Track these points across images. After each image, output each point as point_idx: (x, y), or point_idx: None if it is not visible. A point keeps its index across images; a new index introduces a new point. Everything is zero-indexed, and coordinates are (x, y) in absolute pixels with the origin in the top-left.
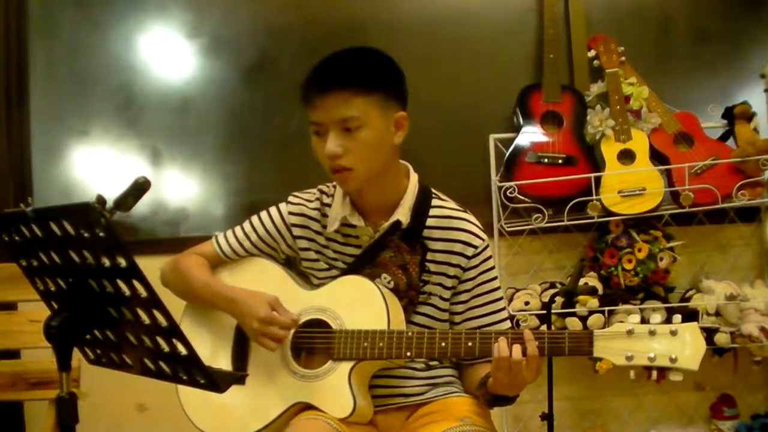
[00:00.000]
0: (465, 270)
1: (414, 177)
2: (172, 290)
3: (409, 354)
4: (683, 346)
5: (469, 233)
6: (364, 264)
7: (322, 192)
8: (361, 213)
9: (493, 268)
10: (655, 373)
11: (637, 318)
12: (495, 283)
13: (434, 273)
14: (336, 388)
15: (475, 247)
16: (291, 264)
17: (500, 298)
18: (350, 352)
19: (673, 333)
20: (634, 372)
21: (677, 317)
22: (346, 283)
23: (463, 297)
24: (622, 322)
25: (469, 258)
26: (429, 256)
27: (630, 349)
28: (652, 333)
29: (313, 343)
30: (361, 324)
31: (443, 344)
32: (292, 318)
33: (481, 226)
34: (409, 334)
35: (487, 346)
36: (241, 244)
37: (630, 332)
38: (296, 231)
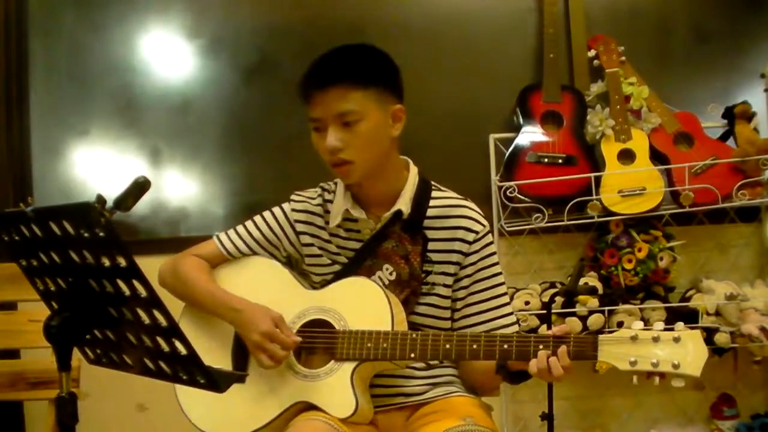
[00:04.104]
0: (466, 255)
1: (414, 169)
2: (170, 292)
3: (413, 356)
4: (686, 353)
5: (470, 219)
6: (367, 255)
7: (323, 189)
8: (363, 206)
9: (494, 254)
10: (657, 379)
11: (639, 323)
12: (496, 269)
13: (437, 262)
14: (338, 388)
15: (476, 232)
16: (292, 265)
17: (502, 283)
18: (353, 352)
19: (676, 340)
20: (636, 378)
21: (680, 324)
22: (350, 285)
23: (465, 282)
24: (622, 322)
25: (470, 243)
26: (431, 246)
27: (634, 355)
28: (655, 339)
29: (314, 342)
30: (364, 326)
31: (447, 346)
32: (293, 339)
33: (482, 213)
34: (413, 335)
35: (491, 348)
36: (244, 241)
37: (634, 338)
38: (299, 227)
